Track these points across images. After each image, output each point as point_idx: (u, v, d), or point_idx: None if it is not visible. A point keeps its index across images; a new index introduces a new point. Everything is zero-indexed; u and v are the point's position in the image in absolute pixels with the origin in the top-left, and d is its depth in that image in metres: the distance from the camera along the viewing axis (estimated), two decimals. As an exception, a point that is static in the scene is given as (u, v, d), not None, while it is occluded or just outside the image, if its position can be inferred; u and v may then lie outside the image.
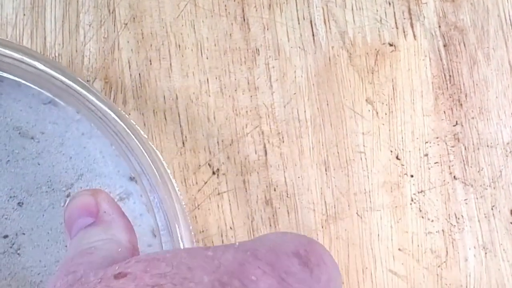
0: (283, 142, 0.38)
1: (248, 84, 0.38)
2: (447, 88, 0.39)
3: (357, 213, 0.38)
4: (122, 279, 0.20)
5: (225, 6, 0.38)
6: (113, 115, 0.34)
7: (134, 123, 0.35)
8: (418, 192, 0.38)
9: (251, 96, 0.38)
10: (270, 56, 0.39)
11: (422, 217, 0.38)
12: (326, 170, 0.38)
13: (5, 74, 0.35)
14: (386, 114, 0.39)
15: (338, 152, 0.38)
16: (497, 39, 0.40)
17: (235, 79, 0.38)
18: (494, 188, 0.39)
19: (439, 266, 0.38)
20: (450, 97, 0.39)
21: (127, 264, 0.21)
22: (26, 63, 0.34)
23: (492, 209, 0.39)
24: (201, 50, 0.38)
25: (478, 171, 0.39)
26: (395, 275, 0.38)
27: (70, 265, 0.25)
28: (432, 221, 0.38)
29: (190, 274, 0.20)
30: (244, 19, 0.39)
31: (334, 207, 0.38)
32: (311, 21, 0.39)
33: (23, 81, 0.35)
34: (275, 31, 0.39)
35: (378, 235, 0.38)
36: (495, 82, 0.39)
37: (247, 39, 0.39)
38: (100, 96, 0.34)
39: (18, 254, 0.35)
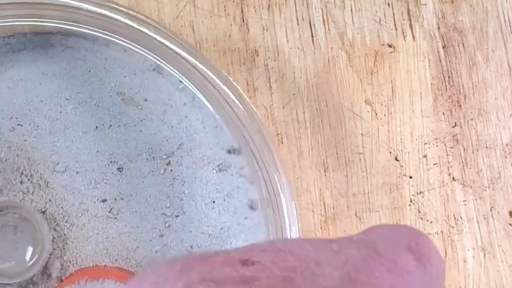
0: (282, 143, 0.38)
1: (247, 85, 0.38)
2: (446, 89, 0.39)
3: (356, 214, 0.38)
4: (251, 267, 0.20)
5: (224, 7, 0.38)
6: (220, 83, 0.33)
7: (242, 93, 0.33)
8: (417, 193, 0.38)
9: (250, 97, 0.38)
10: (269, 57, 0.38)
11: (421, 218, 0.38)
12: (325, 171, 0.38)
13: (111, 39, 0.34)
14: (385, 115, 0.39)
15: (337, 153, 0.38)
16: (496, 41, 0.40)
17: (234, 80, 0.38)
18: (493, 189, 0.39)
19: (438, 267, 0.38)
20: (449, 98, 0.39)
21: (252, 252, 0.20)
22: (133, 27, 0.33)
23: (491, 210, 0.39)
24: (200, 51, 0.38)
25: (477, 173, 0.39)
26: (394, 276, 0.38)
27: None
28: (431, 222, 0.38)
29: (319, 269, 0.20)
30: (243, 20, 0.39)
31: (333, 208, 0.38)
32: (310, 22, 0.39)
33: (128, 47, 0.34)
34: (274, 32, 0.39)
35: (377, 236, 0.38)
36: (494, 83, 0.39)
37: (246, 40, 0.38)
38: (208, 63, 0.33)
39: (116, 218, 0.35)
